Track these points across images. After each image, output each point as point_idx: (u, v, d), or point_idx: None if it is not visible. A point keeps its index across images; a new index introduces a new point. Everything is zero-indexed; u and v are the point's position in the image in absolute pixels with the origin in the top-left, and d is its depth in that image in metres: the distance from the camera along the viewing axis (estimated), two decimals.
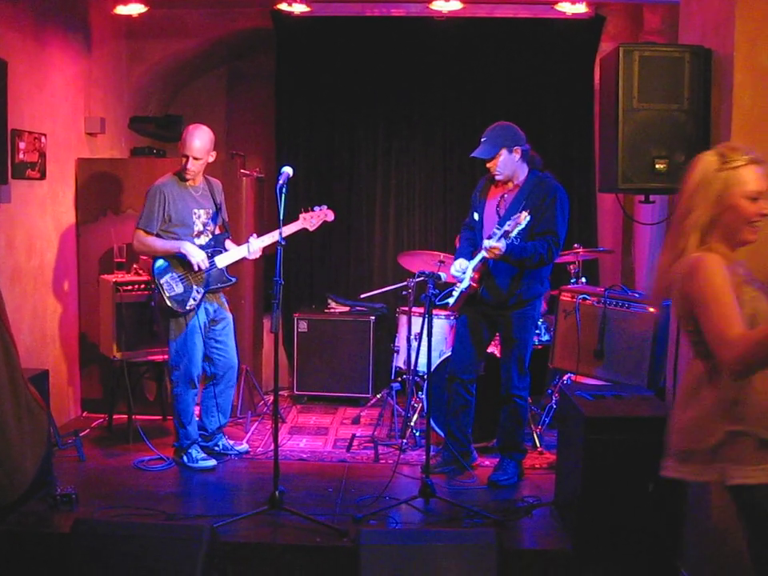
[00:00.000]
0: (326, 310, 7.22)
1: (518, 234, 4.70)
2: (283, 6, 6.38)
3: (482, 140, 4.94)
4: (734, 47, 3.48)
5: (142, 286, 5.83)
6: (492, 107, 7.05)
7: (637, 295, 5.40)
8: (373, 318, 7.00)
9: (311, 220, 5.36)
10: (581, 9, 6.35)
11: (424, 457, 4.73)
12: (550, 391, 6.09)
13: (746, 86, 3.48)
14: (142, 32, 7.12)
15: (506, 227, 4.69)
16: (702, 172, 2.71)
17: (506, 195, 4.99)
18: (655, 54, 3.73)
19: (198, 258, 5.19)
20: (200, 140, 5.19)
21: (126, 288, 5.81)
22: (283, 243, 4.59)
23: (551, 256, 4.87)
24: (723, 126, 3.58)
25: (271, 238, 5.23)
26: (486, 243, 4.76)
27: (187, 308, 5.21)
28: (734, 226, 2.69)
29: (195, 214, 5.29)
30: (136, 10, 6.26)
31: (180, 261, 5.23)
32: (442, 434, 5.54)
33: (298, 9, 6.37)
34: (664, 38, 6.54)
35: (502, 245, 4.70)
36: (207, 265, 5.23)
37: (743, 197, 2.65)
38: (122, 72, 7.22)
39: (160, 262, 5.24)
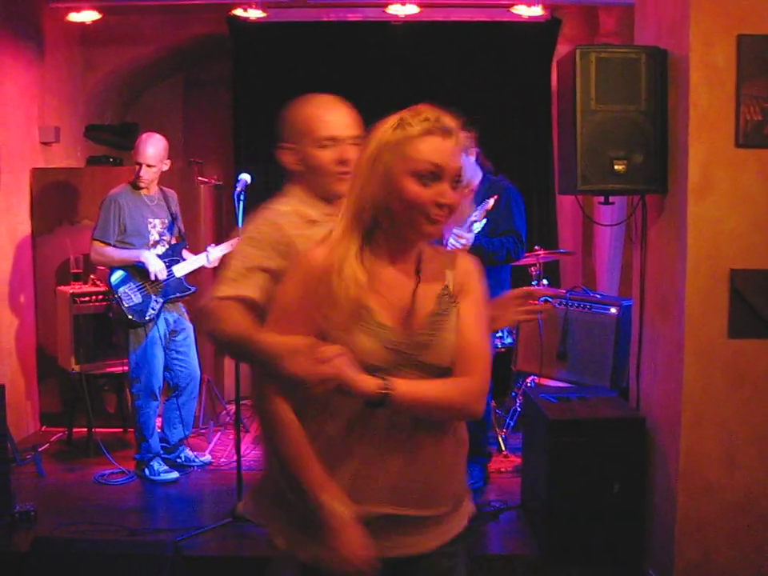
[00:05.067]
0: None
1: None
2: (239, 12, 6.33)
3: None
4: (689, 48, 3.49)
5: (100, 297, 5.76)
6: (450, 110, 7.02)
7: (598, 296, 5.41)
8: None
9: None
10: (537, 12, 6.37)
11: None
12: (513, 394, 6.08)
13: (701, 86, 3.49)
14: (97, 39, 7.03)
15: (473, 217, 4.66)
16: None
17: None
18: (612, 56, 3.73)
19: (156, 267, 5.13)
20: (153, 147, 5.14)
21: (83, 299, 5.73)
22: None
23: (518, 252, 4.86)
24: (681, 126, 3.59)
25: (230, 246, 5.18)
26: (455, 231, 4.72)
27: (146, 318, 5.14)
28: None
29: (150, 223, 5.23)
30: (89, 17, 6.19)
31: (138, 270, 5.17)
32: None
33: (254, 14, 6.33)
34: (620, 39, 6.58)
35: (470, 235, 4.66)
36: (165, 275, 5.17)
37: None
38: (77, 80, 7.13)
39: (118, 273, 5.17)
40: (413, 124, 1.97)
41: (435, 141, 1.96)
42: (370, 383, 1.90)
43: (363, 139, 2.26)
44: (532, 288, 2.58)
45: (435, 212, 1.95)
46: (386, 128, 2.00)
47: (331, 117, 2.49)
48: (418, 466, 2.03)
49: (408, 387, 1.94)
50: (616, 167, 3.69)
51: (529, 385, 5.81)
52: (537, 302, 2.50)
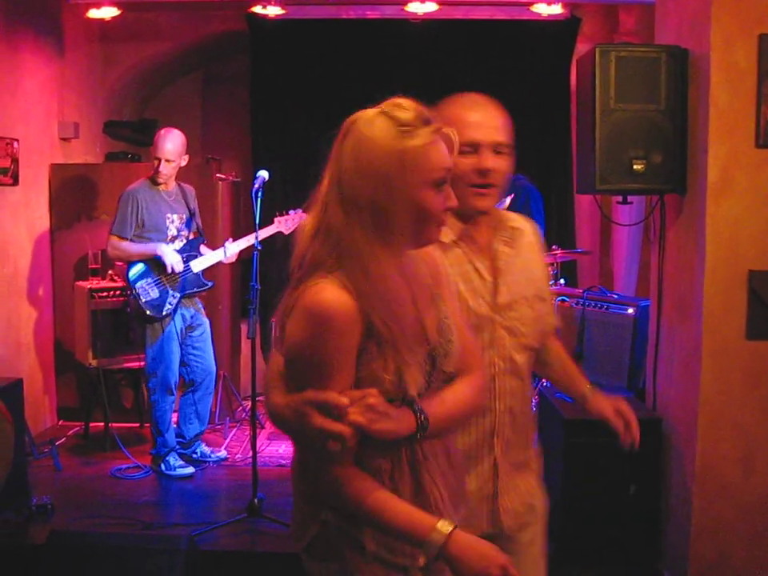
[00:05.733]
0: None
1: None
2: (258, 9, 6.34)
3: None
4: (710, 47, 3.47)
5: (117, 292, 5.78)
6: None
7: (616, 296, 5.40)
8: None
9: (286, 224, 5.34)
10: (556, 10, 6.34)
11: None
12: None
13: (722, 85, 3.48)
14: (116, 36, 7.06)
15: None
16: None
17: None
18: (631, 55, 3.72)
19: (172, 259, 5.16)
20: (172, 143, 5.16)
21: (101, 294, 5.75)
22: (259, 248, 4.56)
23: None
24: (700, 125, 3.58)
25: (247, 241, 5.21)
26: None
27: (163, 313, 5.16)
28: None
29: (169, 218, 5.25)
30: (109, 13, 6.20)
31: (156, 264, 5.19)
32: None
33: (273, 11, 6.33)
34: (639, 38, 6.55)
35: None
36: (182, 267, 5.19)
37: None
38: (96, 76, 7.15)
39: (136, 267, 5.19)
40: (417, 131, 1.76)
41: (441, 145, 1.80)
42: (407, 421, 1.77)
43: (507, 146, 2.18)
44: (629, 416, 2.53)
45: (445, 216, 1.85)
46: (385, 134, 1.75)
47: (474, 118, 2.20)
48: (454, 472, 1.96)
49: (433, 408, 1.82)
50: (635, 167, 3.68)
51: (544, 384, 5.79)
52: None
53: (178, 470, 5.24)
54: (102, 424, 5.81)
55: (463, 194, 2.14)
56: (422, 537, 1.74)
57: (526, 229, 2.40)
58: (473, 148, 2.17)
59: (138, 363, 5.64)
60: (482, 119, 2.20)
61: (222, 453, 5.65)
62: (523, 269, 2.32)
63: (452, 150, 1.83)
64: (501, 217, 2.36)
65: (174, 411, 5.44)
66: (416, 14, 6.44)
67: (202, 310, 5.48)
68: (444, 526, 1.75)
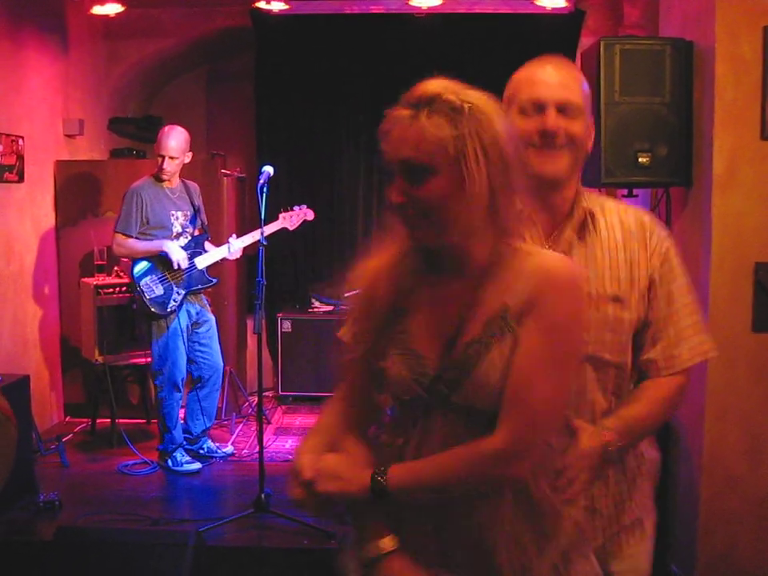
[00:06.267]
0: (309, 310, 7.19)
1: None
2: (261, 5, 6.33)
3: None
4: (715, 39, 3.46)
5: (123, 288, 5.78)
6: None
7: None
8: None
9: (291, 219, 5.35)
10: (560, 3, 6.33)
11: None
12: None
13: (727, 77, 3.47)
14: (120, 32, 7.05)
15: None
16: None
17: None
18: (636, 48, 3.71)
19: (178, 255, 5.16)
20: (175, 140, 5.17)
21: (106, 291, 5.76)
22: (264, 243, 4.57)
23: None
24: (706, 118, 3.56)
25: (252, 238, 5.22)
26: None
27: (168, 310, 5.17)
28: None
29: (173, 215, 5.27)
30: (113, 9, 6.19)
31: (161, 261, 5.20)
32: None
33: (277, 7, 6.33)
34: (644, 31, 6.52)
35: None
36: (187, 264, 5.20)
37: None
38: (101, 73, 7.16)
39: (140, 264, 5.21)
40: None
41: (393, 130, 1.61)
42: (358, 483, 1.63)
43: (576, 106, 1.94)
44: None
45: (397, 215, 1.65)
46: None
47: (541, 76, 1.98)
48: (464, 530, 1.64)
49: (404, 471, 1.62)
50: (640, 160, 3.67)
51: None
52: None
53: (184, 465, 5.25)
54: (109, 420, 5.82)
55: (527, 159, 1.86)
56: (362, 543, 1.66)
57: (624, 221, 2.03)
58: (537, 107, 1.95)
59: (144, 359, 5.66)
60: (550, 77, 1.98)
61: (229, 448, 5.66)
62: (591, 263, 1.96)
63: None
64: (583, 200, 2.03)
65: (181, 407, 5.45)
66: (420, 8, 6.43)
67: (208, 306, 5.49)
68: (384, 544, 1.64)
